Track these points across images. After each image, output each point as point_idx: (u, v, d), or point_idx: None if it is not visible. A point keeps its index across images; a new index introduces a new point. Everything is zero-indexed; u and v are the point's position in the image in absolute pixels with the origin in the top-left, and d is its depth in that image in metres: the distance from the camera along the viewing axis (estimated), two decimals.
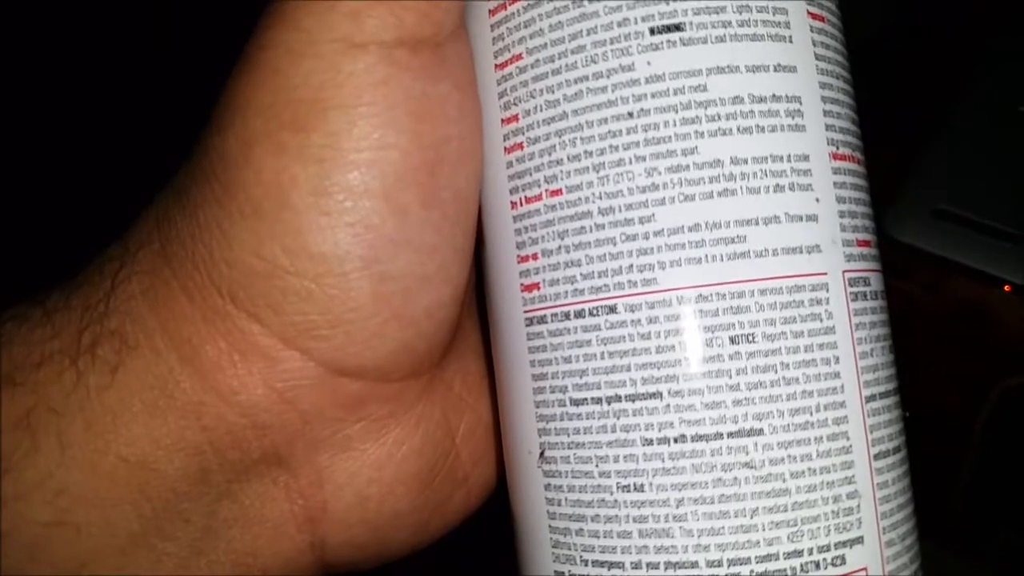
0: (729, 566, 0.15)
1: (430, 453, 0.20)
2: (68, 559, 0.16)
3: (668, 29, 0.16)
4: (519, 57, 0.17)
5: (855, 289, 0.16)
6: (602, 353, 0.16)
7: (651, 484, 0.16)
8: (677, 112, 0.16)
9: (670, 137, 0.16)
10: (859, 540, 0.16)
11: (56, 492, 0.16)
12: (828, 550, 0.16)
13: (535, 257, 0.17)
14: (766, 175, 0.16)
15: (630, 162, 0.16)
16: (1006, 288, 0.31)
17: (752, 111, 0.16)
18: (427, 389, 0.19)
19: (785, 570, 0.15)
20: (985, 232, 0.31)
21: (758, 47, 0.16)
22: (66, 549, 0.16)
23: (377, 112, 0.16)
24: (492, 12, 0.18)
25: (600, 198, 0.16)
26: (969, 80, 0.34)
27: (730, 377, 0.15)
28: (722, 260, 0.16)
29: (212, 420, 0.17)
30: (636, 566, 0.16)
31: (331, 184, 0.16)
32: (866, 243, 0.17)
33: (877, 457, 0.16)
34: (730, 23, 0.16)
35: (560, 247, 0.17)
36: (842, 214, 0.17)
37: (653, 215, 0.16)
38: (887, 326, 0.18)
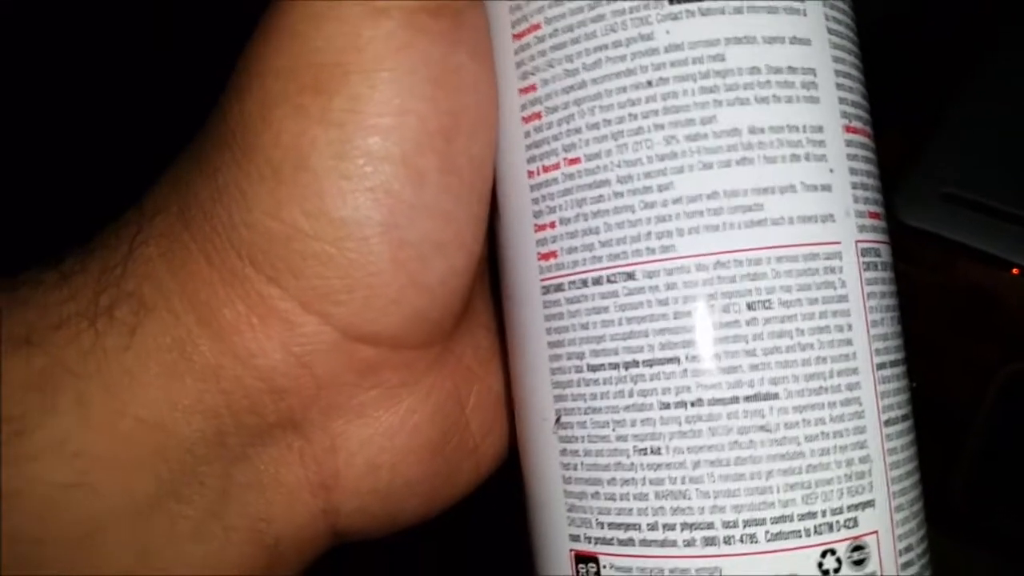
0: (744, 527, 0.15)
1: (441, 423, 0.20)
2: (85, 520, 0.16)
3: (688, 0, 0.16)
4: (537, 27, 0.17)
5: (867, 259, 0.17)
6: (620, 319, 0.16)
7: (668, 447, 0.16)
8: (696, 81, 0.16)
9: (689, 106, 0.16)
10: (871, 503, 0.16)
11: (74, 453, 0.16)
12: (841, 512, 0.16)
13: (552, 225, 0.17)
14: (783, 144, 0.16)
15: (649, 130, 0.16)
16: (1014, 271, 0.31)
17: (769, 81, 0.16)
18: (438, 360, 0.20)
19: (799, 531, 0.16)
20: (994, 215, 0.31)
21: (774, 19, 0.16)
22: (83, 510, 0.16)
23: (398, 77, 0.16)
24: None
25: (619, 166, 0.16)
26: (978, 63, 0.34)
27: (747, 342, 0.16)
28: (740, 228, 0.16)
29: (230, 383, 0.17)
30: (652, 527, 0.16)
31: (352, 148, 0.16)
32: (876, 215, 0.17)
33: (887, 423, 0.17)
34: None
35: (578, 215, 0.17)
36: (854, 185, 0.17)
37: (672, 183, 0.16)
38: (895, 297, 0.18)
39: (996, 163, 0.32)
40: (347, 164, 0.16)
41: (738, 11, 0.16)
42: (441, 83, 0.17)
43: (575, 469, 0.17)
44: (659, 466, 0.16)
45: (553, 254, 0.17)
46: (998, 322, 0.32)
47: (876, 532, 0.16)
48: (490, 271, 0.21)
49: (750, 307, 0.16)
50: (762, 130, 0.16)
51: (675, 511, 0.16)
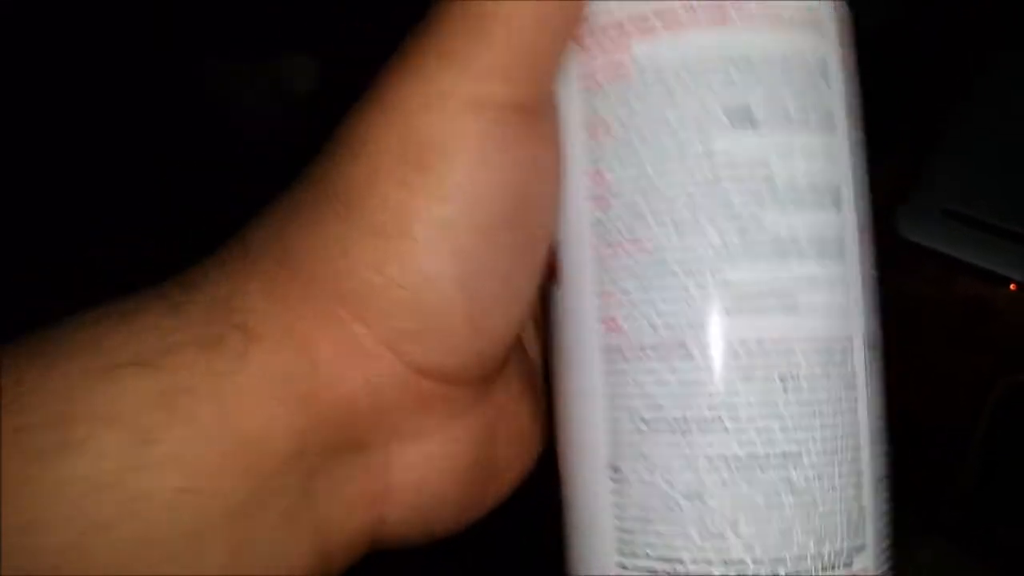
0: (770, 564, 0.19)
1: (476, 451, 0.23)
2: (192, 521, 0.18)
3: (742, 116, 0.19)
4: (609, 126, 0.20)
5: (869, 347, 0.20)
6: (673, 382, 0.19)
7: (711, 495, 0.19)
8: (745, 186, 0.19)
9: (739, 205, 0.19)
10: (863, 547, 0.19)
11: (187, 462, 0.18)
12: (842, 554, 0.19)
13: (614, 296, 0.20)
14: (813, 244, 0.19)
15: (705, 224, 0.19)
16: (1012, 287, 0.32)
17: (804, 190, 0.19)
18: (478, 399, 0.22)
19: (810, 569, 0.19)
20: (993, 232, 0.32)
21: (810, 137, 0.20)
22: (192, 512, 0.18)
23: (488, 161, 0.19)
24: (584, 86, 0.20)
25: (677, 252, 0.19)
26: (979, 80, 0.35)
27: (779, 410, 0.19)
28: (778, 313, 0.19)
29: (318, 407, 0.19)
30: (694, 562, 0.19)
31: (444, 218, 0.19)
32: (875, 308, 0.21)
33: (877, 481, 0.20)
34: (790, 113, 0.20)
35: (638, 290, 0.20)
36: (863, 283, 0.20)
37: (723, 270, 0.19)
38: (882, 372, 0.21)
39: (997, 181, 0.33)
40: (439, 231, 0.19)
41: (785, 130, 0.19)
42: (521, 168, 0.20)
43: (626, 508, 0.19)
44: (703, 511, 0.19)
45: (614, 320, 0.20)
46: (996, 336, 0.33)
47: (866, 570, 0.19)
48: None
49: (782, 381, 0.19)
50: (797, 230, 0.19)
51: (715, 549, 0.19)
